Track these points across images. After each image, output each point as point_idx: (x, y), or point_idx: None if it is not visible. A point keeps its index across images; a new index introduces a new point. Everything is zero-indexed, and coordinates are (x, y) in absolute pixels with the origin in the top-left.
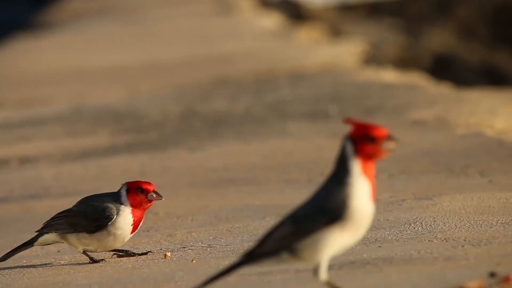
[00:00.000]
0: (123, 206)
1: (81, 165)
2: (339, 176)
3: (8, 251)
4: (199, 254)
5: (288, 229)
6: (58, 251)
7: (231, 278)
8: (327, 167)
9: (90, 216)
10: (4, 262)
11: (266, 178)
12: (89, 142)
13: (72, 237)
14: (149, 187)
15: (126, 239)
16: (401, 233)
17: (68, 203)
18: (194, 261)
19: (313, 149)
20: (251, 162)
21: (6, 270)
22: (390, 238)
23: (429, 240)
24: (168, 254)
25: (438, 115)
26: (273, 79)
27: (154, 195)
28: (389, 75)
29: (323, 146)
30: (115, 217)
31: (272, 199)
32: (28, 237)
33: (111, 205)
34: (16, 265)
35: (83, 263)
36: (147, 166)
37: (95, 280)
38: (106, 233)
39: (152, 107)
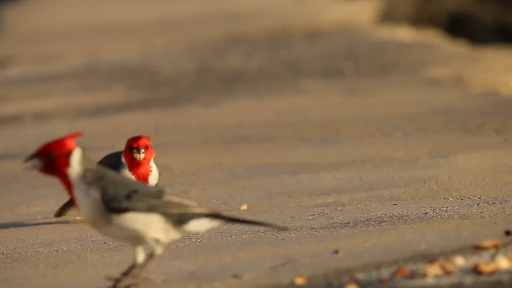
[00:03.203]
0: (122, 165)
1: (95, 121)
2: None
3: (61, 205)
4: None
5: None
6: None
7: (246, 235)
8: (342, 125)
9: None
10: (18, 217)
11: (280, 136)
12: (104, 98)
13: None
14: (133, 143)
15: None
16: (416, 191)
17: None
18: None
19: (328, 107)
20: (266, 119)
21: (21, 226)
22: (405, 196)
23: (444, 198)
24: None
25: (453, 73)
26: (288, 36)
27: (135, 152)
28: (404, 33)
29: (337, 104)
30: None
31: (287, 156)
32: (42, 193)
33: (113, 165)
34: (31, 221)
35: None
36: (161, 123)
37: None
38: None
39: (167, 63)
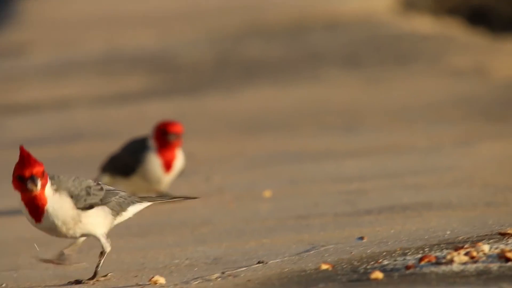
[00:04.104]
0: (149, 148)
1: (115, 108)
2: None
3: None
4: (237, 197)
5: None
6: None
7: (270, 221)
8: (363, 114)
9: (122, 160)
10: None
11: (301, 124)
12: (124, 85)
13: (121, 179)
14: (171, 128)
15: (163, 180)
16: (440, 178)
17: (103, 146)
18: (232, 205)
19: (349, 96)
20: (287, 107)
21: None
22: (429, 183)
23: (468, 186)
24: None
25: (474, 63)
26: (308, 25)
27: (173, 137)
28: (425, 23)
29: (359, 93)
30: (143, 160)
31: (309, 144)
32: None
33: (139, 149)
34: None
35: None
36: (183, 110)
37: (134, 222)
38: (141, 176)
39: (187, 51)
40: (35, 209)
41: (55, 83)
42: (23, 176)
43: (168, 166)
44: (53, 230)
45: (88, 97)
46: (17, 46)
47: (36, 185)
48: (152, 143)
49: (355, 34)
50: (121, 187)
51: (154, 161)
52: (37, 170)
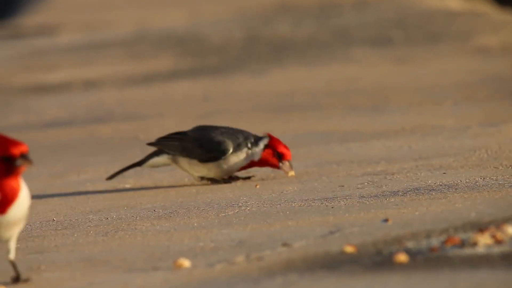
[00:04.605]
0: (250, 152)
1: (144, 89)
2: None
3: (116, 170)
4: (263, 179)
5: None
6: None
7: (295, 203)
8: (391, 94)
9: (205, 146)
10: (68, 185)
11: (329, 104)
12: (152, 66)
13: (184, 162)
14: (287, 155)
15: (231, 174)
16: (466, 160)
17: (131, 127)
18: (258, 186)
19: (377, 75)
20: (315, 87)
21: (71, 193)
22: (455, 164)
23: (494, 167)
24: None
25: (502, 42)
26: (337, 4)
27: (286, 166)
28: (454, 1)
29: (387, 72)
30: (229, 154)
31: (336, 125)
32: (91, 160)
33: (229, 142)
34: (81, 189)
35: (147, 188)
36: (210, 91)
37: (160, 204)
38: (217, 165)
39: (215, 31)
40: (7, 197)
41: (84, 64)
42: (11, 155)
43: (243, 169)
44: (8, 226)
45: (116, 78)
46: (47, 27)
47: (30, 162)
48: (259, 152)
49: (384, 13)
50: (192, 170)
51: (240, 163)
52: (25, 148)
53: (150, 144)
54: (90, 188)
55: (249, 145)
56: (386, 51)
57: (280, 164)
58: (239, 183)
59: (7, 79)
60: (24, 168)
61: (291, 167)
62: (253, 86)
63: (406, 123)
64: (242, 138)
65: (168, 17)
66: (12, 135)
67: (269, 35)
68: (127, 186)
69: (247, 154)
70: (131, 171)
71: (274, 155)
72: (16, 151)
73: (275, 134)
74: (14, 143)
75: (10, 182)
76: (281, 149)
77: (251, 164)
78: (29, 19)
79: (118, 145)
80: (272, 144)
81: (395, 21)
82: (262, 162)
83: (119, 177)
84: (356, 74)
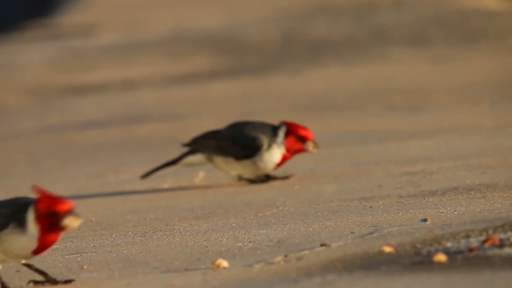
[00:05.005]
0: (276, 145)
1: (181, 89)
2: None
3: (150, 169)
4: (301, 179)
5: None
6: (160, 176)
7: (333, 203)
8: (429, 93)
9: (239, 143)
10: (107, 185)
11: (367, 104)
12: (190, 66)
13: (219, 161)
14: (308, 135)
15: (267, 172)
16: (504, 159)
17: (169, 127)
18: (296, 186)
19: (415, 75)
20: (352, 87)
21: (109, 194)
22: (493, 164)
23: None
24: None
25: None
26: (374, 3)
27: (311, 146)
28: (492, 1)
29: (425, 71)
30: (264, 150)
31: (374, 124)
32: (129, 160)
33: (263, 137)
34: (119, 189)
35: (185, 188)
36: (248, 91)
37: (197, 204)
38: (252, 162)
39: (253, 31)
40: (43, 248)
41: (122, 64)
42: (56, 211)
43: (279, 165)
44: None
45: (154, 78)
46: (85, 27)
47: (79, 219)
48: (282, 141)
49: (422, 11)
50: (229, 168)
51: (275, 157)
52: (70, 205)
53: (186, 145)
54: (128, 188)
55: (274, 137)
56: (423, 50)
57: (305, 146)
58: (276, 183)
59: (45, 79)
60: (68, 229)
61: (316, 146)
62: (291, 86)
63: (444, 123)
64: (269, 132)
65: (206, 17)
66: (50, 135)
67: (307, 35)
68: (165, 186)
69: (277, 147)
70: (168, 171)
71: (297, 140)
72: (61, 208)
73: (313, 134)
74: (61, 201)
75: (51, 237)
76: (302, 132)
77: (284, 158)
78: (68, 19)
79: (156, 145)
80: (291, 129)
81: (432, 20)
82: (290, 152)
83: (157, 177)
84: (393, 74)
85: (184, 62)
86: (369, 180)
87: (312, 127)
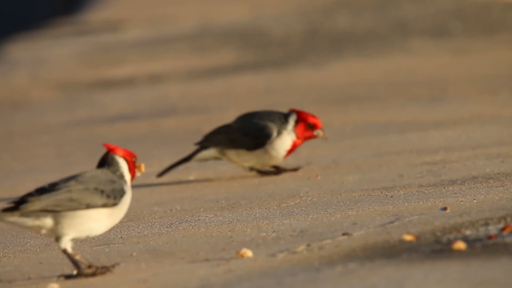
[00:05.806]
0: (287, 132)
1: (207, 82)
2: None
3: (166, 167)
4: (324, 170)
5: None
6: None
7: (355, 193)
8: (450, 85)
9: (249, 133)
10: (134, 179)
11: (388, 95)
12: (215, 60)
13: (232, 154)
14: (318, 123)
15: (279, 161)
16: None
17: (195, 120)
18: (319, 177)
19: (436, 66)
20: (374, 79)
21: (137, 186)
22: None
23: None
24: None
25: None
26: None
27: (321, 133)
28: None
29: (445, 63)
30: (274, 138)
31: (395, 116)
32: (156, 153)
33: (272, 125)
34: (146, 181)
35: (210, 179)
36: (272, 84)
37: (222, 195)
38: (264, 151)
39: (277, 24)
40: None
41: (148, 59)
42: (314, 124)
43: (290, 152)
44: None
45: (180, 72)
46: (113, 22)
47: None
48: (292, 129)
49: (442, 4)
50: (241, 160)
51: (286, 145)
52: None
53: (198, 143)
54: (154, 180)
55: (284, 125)
56: (444, 42)
57: (315, 133)
58: (300, 173)
59: (74, 74)
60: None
61: (324, 133)
62: (313, 78)
63: (464, 113)
64: (278, 120)
65: (231, 11)
66: (78, 129)
67: (329, 28)
68: (191, 178)
69: (288, 134)
70: (194, 163)
71: (307, 127)
72: (317, 122)
73: (335, 125)
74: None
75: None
76: (312, 120)
77: (294, 145)
78: (95, 15)
79: (182, 138)
80: (301, 117)
81: (453, 13)
82: (300, 138)
83: (183, 169)
84: (414, 65)
85: (209, 56)
86: (390, 170)
87: (334, 119)
